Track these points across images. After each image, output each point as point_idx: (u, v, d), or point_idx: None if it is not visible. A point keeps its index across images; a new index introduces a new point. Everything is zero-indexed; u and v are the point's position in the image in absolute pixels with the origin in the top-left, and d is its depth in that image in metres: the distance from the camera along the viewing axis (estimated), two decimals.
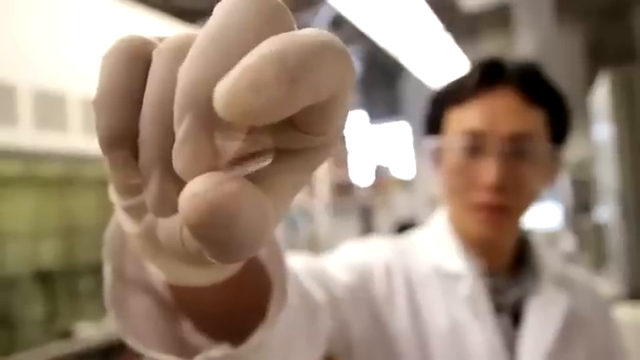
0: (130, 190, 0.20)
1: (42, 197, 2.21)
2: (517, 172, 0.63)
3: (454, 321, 0.65)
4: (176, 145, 0.16)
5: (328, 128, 0.18)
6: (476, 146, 0.64)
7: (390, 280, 0.67)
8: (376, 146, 6.22)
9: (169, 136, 0.17)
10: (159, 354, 0.26)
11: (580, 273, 0.77)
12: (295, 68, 0.15)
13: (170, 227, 0.20)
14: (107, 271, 0.27)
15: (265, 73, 0.14)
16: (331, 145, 0.19)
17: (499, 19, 4.31)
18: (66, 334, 2.10)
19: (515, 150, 0.63)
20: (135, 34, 0.19)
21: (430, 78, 4.68)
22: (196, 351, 0.27)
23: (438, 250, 0.71)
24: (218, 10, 0.17)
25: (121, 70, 0.18)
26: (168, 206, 0.18)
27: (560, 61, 4.20)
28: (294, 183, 0.19)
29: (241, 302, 0.29)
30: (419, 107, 0.75)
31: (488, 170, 0.62)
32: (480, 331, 0.64)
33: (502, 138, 0.63)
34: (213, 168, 0.16)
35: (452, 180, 0.66)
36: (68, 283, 2.26)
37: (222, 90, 0.14)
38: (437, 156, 0.69)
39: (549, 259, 0.73)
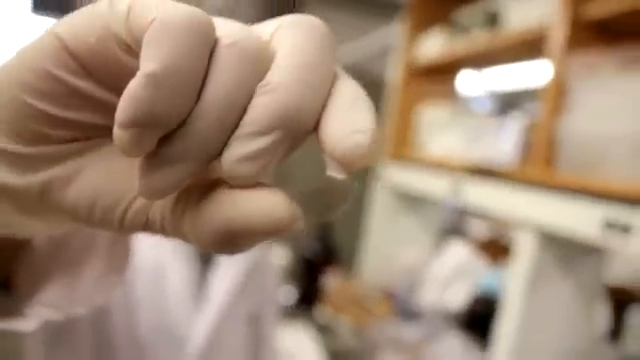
0: (33, 136, 0.18)
1: None
2: None
3: (159, 261, 0.72)
4: (250, 151, 0.16)
5: None
6: None
7: None
8: None
9: (222, 136, 0.17)
10: None
11: None
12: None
13: (114, 196, 0.19)
14: None
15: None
16: None
17: None
18: None
19: None
20: (200, 11, 0.16)
21: None
22: None
23: None
24: (302, 37, 0.17)
25: (192, 48, 0.16)
26: (165, 194, 0.17)
27: None
28: None
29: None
30: None
31: None
32: (179, 270, 0.73)
33: None
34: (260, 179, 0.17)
35: None
36: None
37: (360, 142, 0.16)
38: None
39: None
